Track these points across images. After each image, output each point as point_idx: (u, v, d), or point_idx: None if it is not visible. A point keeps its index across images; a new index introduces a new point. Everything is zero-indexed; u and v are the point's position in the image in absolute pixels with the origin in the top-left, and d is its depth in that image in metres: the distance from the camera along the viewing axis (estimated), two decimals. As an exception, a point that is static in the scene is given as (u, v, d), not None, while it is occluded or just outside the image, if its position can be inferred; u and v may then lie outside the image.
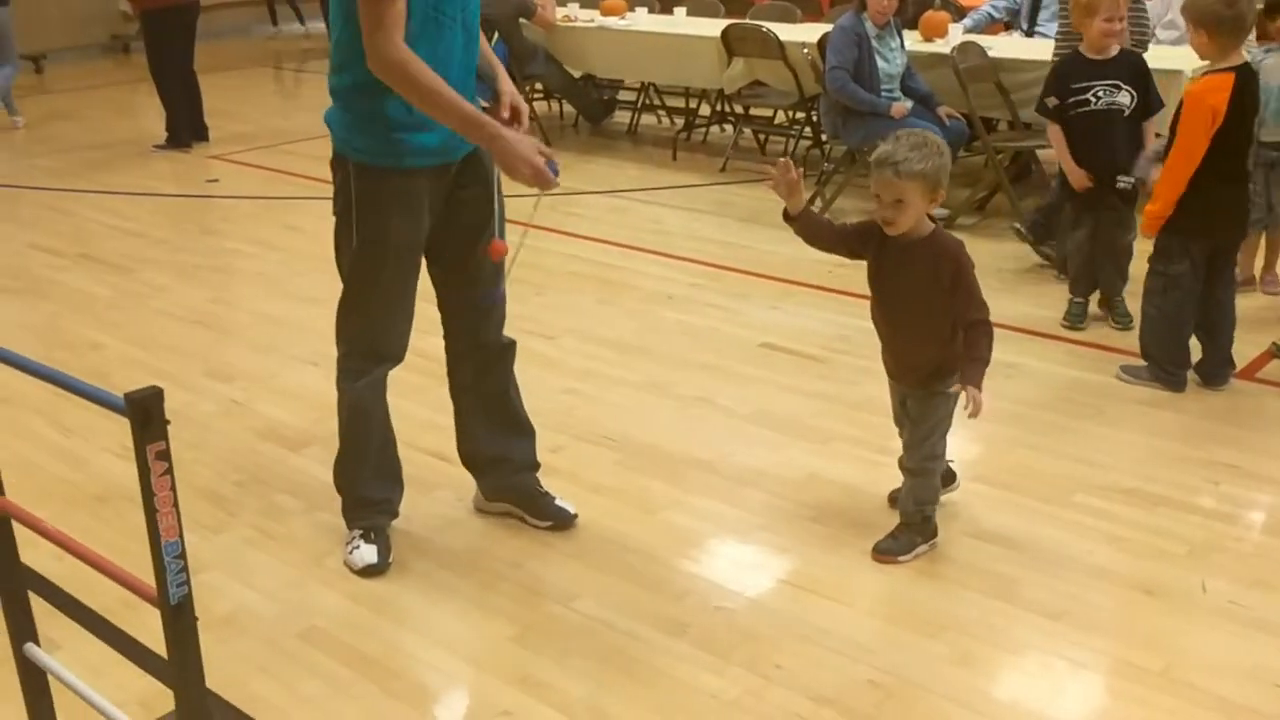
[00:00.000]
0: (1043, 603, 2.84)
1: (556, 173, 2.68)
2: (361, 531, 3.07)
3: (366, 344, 2.94)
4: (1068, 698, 2.54)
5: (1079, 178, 4.36)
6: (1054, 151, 4.58)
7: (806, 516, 3.26)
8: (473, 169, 2.89)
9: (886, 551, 3.03)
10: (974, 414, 2.73)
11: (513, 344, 3.14)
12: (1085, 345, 4.38)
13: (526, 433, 3.25)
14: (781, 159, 3.00)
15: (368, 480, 3.10)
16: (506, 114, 2.84)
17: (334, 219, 2.87)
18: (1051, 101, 4.42)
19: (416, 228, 2.84)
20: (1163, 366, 3.99)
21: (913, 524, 3.05)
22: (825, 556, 3.07)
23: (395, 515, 3.16)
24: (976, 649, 2.68)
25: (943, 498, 3.16)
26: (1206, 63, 3.85)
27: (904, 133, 2.86)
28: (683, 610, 2.84)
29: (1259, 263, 4.85)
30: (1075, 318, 4.54)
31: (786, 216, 3.02)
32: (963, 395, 2.76)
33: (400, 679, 2.62)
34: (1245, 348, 4.31)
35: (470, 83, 2.79)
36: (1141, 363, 4.10)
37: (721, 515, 3.29)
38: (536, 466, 3.26)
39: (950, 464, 3.24)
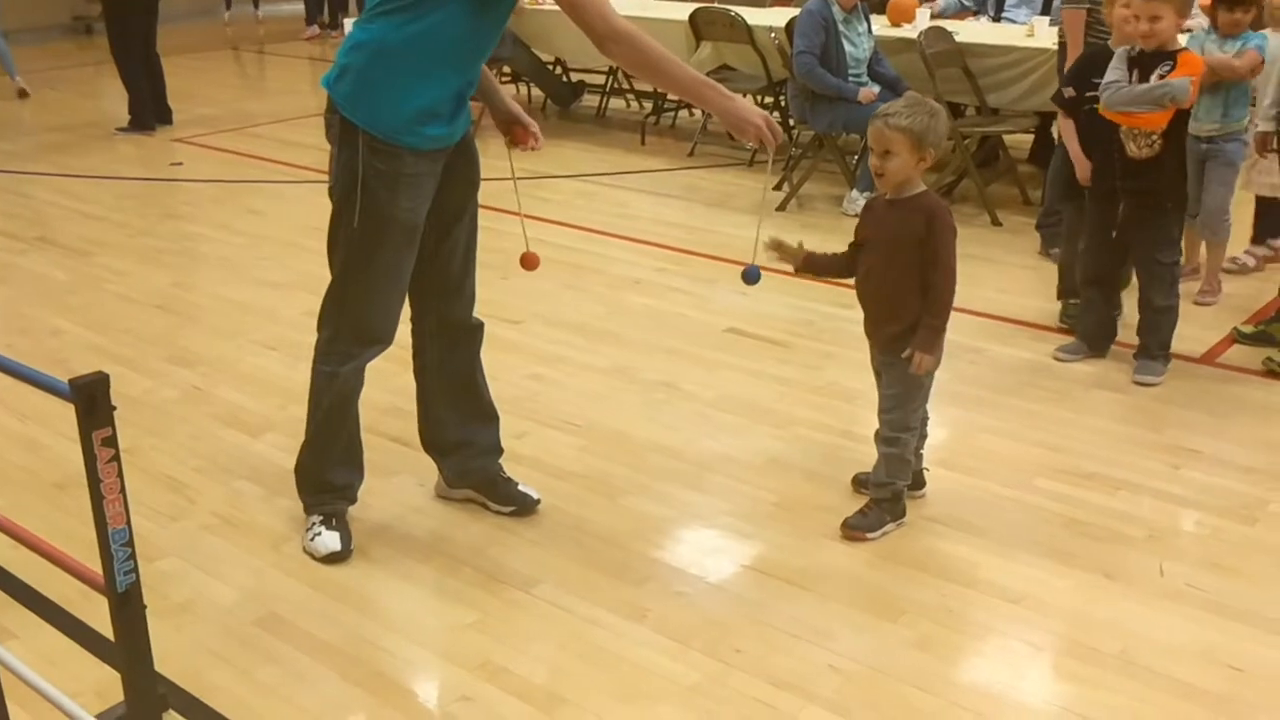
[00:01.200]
0: (1002, 586, 2.86)
1: (777, 137, 2.75)
2: (322, 517, 3.04)
3: (359, 326, 2.90)
4: (1027, 681, 2.55)
5: (1084, 170, 4.11)
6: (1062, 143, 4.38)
7: (768, 501, 3.26)
8: (463, 154, 2.91)
9: (855, 528, 3.04)
10: (920, 371, 2.93)
11: (481, 325, 3.13)
12: (1049, 330, 4.40)
13: (491, 417, 3.23)
14: (770, 242, 3.08)
15: (335, 466, 3.07)
16: (533, 143, 3.09)
17: (331, 196, 2.81)
18: (1068, 92, 4.22)
19: (420, 209, 2.84)
20: (1167, 354, 4.01)
21: (883, 501, 3.07)
22: (787, 541, 3.07)
23: (354, 502, 3.14)
24: (936, 633, 2.70)
25: (909, 494, 3.18)
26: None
27: (907, 95, 3.07)
28: (643, 595, 2.84)
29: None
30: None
31: (796, 271, 3.17)
32: (915, 359, 2.92)
33: (360, 666, 2.61)
34: (1206, 333, 4.35)
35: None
36: (1071, 340, 4.16)
37: (684, 500, 3.28)
38: (500, 451, 3.25)
39: (925, 471, 3.25)
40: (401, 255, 2.85)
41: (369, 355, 2.96)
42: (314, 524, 3.04)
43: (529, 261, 3.04)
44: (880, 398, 3.10)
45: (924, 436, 3.19)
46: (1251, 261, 4.95)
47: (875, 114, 2.93)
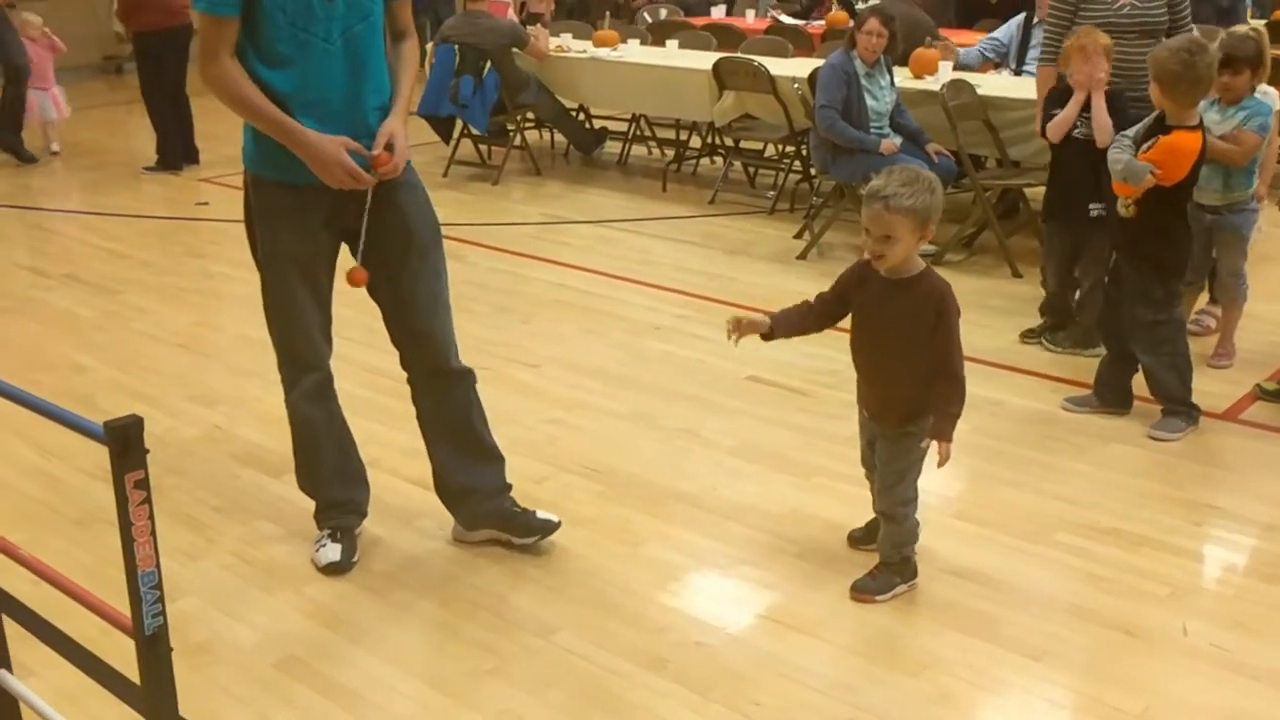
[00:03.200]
0: (1023, 642, 2.84)
1: (368, 167, 2.72)
2: (329, 531, 3.15)
3: (286, 353, 3.03)
4: (1047, 739, 2.53)
5: (1051, 125, 4.43)
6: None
7: (789, 551, 3.25)
8: (384, 201, 2.86)
9: (864, 590, 3.01)
10: (942, 464, 2.81)
11: (468, 371, 3.12)
12: (1069, 383, 4.39)
13: (493, 459, 3.23)
14: (730, 323, 2.98)
15: (329, 483, 3.18)
16: (377, 152, 2.81)
17: None
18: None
19: (308, 241, 2.87)
20: (1189, 407, 4.00)
21: (891, 564, 3.04)
22: (807, 592, 3.06)
23: (364, 515, 3.22)
24: (956, 688, 2.68)
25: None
26: None
27: (898, 167, 2.84)
28: (662, 645, 2.83)
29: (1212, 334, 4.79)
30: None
31: (765, 339, 3.02)
32: (933, 447, 2.83)
33: (377, 710, 2.60)
34: (1229, 388, 4.33)
35: (365, 94, 2.82)
36: (1085, 392, 4.15)
37: (703, 549, 3.28)
38: (508, 488, 3.25)
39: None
40: (295, 287, 2.90)
41: (308, 381, 3.04)
42: (322, 537, 3.16)
43: (355, 278, 2.88)
44: (880, 475, 3.02)
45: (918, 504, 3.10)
46: (1212, 323, 4.85)
47: (870, 193, 2.76)
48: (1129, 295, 3.95)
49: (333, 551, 3.10)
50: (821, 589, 3.06)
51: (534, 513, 3.24)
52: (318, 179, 2.76)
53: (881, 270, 2.85)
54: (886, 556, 3.04)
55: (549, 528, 3.22)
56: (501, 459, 3.25)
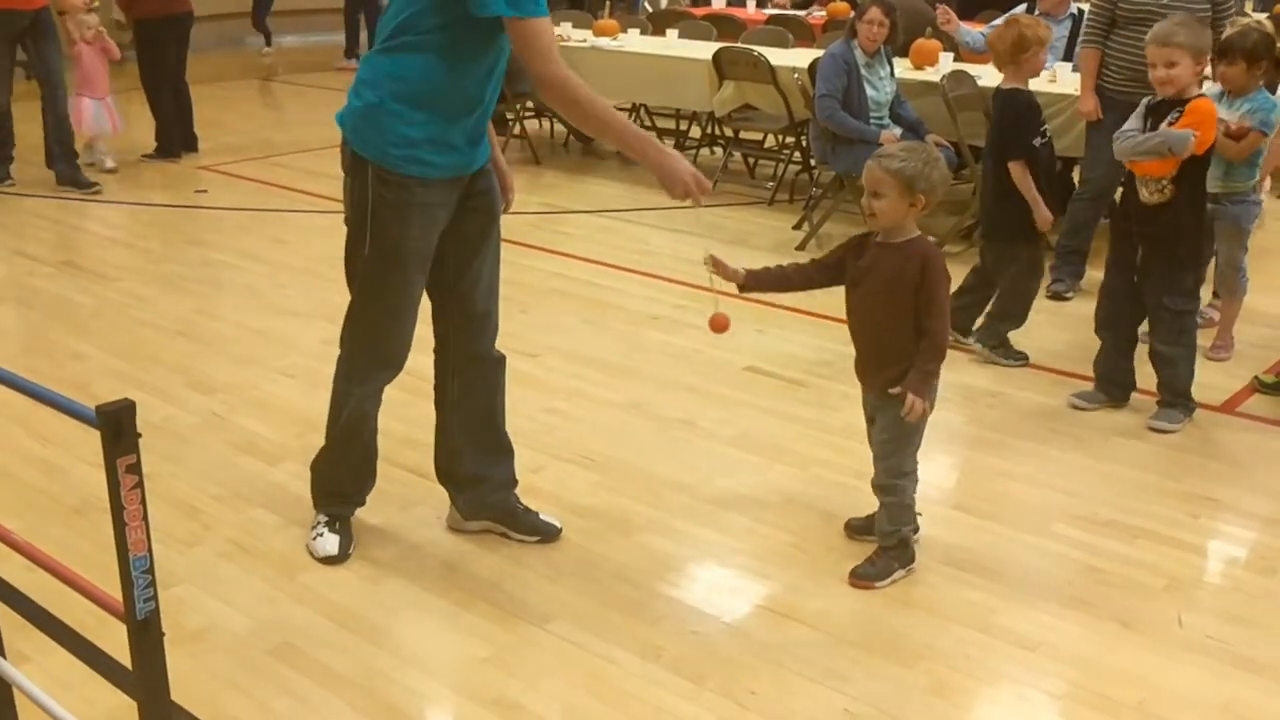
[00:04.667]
0: (1019, 633, 2.84)
1: (705, 191, 2.79)
2: (327, 519, 3.14)
3: (372, 350, 2.98)
4: (1042, 730, 2.53)
5: (1044, 217, 4.34)
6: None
7: (785, 541, 3.25)
8: (480, 185, 2.94)
9: (864, 577, 3.02)
10: (911, 418, 2.87)
11: (503, 359, 3.16)
12: (1068, 375, 4.39)
13: (507, 451, 3.25)
14: (708, 258, 3.01)
15: (348, 475, 3.18)
16: (511, 194, 3.09)
17: (346, 224, 2.88)
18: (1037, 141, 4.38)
19: (430, 238, 2.87)
20: (1188, 399, 4.00)
21: (890, 548, 3.04)
22: (803, 582, 3.06)
23: (363, 504, 3.23)
24: (952, 679, 2.68)
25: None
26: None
27: (915, 142, 3.01)
28: (658, 634, 2.83)
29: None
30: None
31: (741, 290, 3.10)
32: (907, 400, 2.87)
33: (372, 698, 2.60)
34: (1228, 381, 4.33)
35: (493, 103, 2.90)
36: (1088, 386, 4.15)
37: (700, 539, 3.28)
38: (515, 484, 3.26)
39: (918, 516, 3.23)
40: (412, 283, 2.90)
41: (382, 378, 3.04)
42: (319, 523, 3.15)
43: (717, 324, 2.93)
44: (875, 444, 3.07)
45: (918, 479, 3.11)
46: (1216, 315, 4.85)
47: (874, 154, 2.92)
48: (1157, 286, 3.93)
49: (330, 543, 3.10)
50: (818, 579, 3.06)
51: (538, 514, 3.24)
52: (447, 175, 2.80)
53: (873, 229, 2.94)
54: (885, 540, 3.05)
55: (551, 533, 3.22)
56: (512, 452, 3.25)
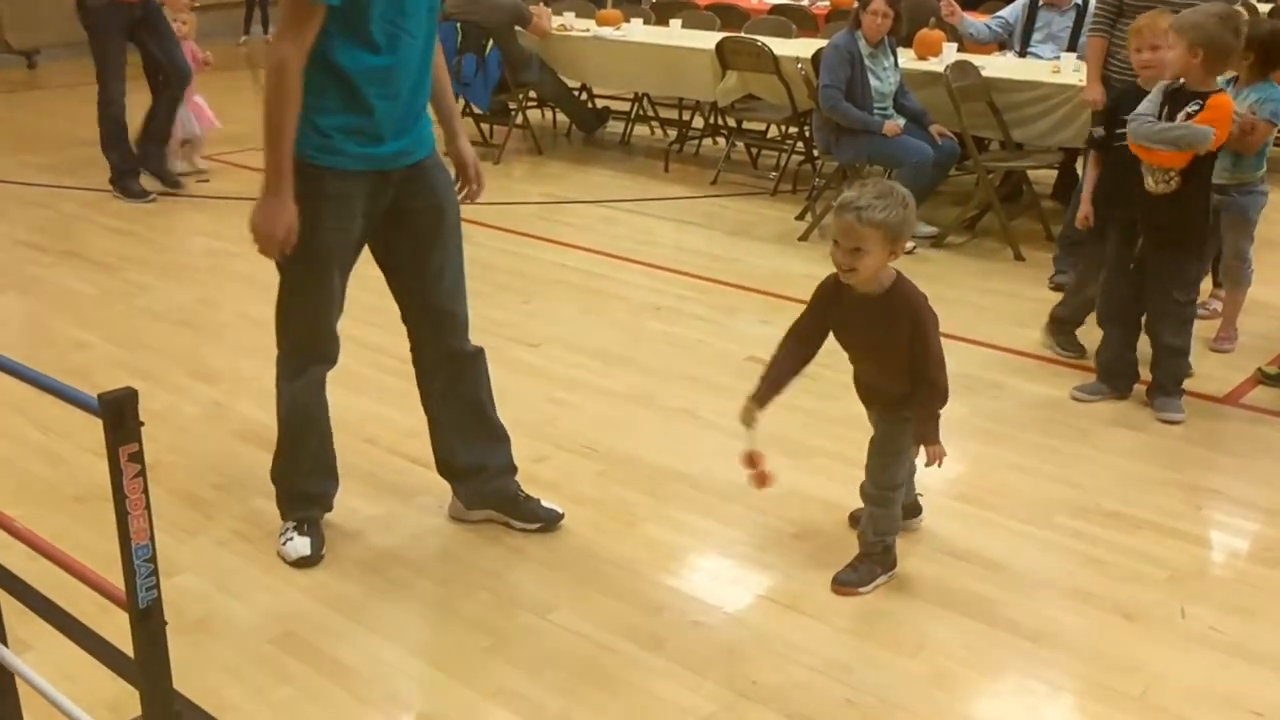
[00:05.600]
0: (1021, 624, 2.84)
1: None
2: (295, 523, 3.12)
3: (298, 344, 2.98)
4: (1044, 720, 2.53)
5: (1084, 213, 4.20)
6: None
7: (787, 532, 3.25)
8: (420, 181, 2.89)
9: (846, 583, 2.98)
10: (930, 464, 2.84)
11: (480, 351, 3.13)
12: (1070, 367, 4.38)
13: (502, 438, 3.24)
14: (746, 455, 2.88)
15: (305, 475, 3.15)
16: (475, 185, 3.05)
17: None
18: (1098, 132, 4.26)
19: (348, 232, 2.83)
20: (1181, 390, 4.00)
21: (873, 554, 3.00)
22: (805, 573, 3.06)
23: (330, 509, 3.20)
24: (954, 669, 2.68)
25: (907, 524, 3.16)
26: None
27: (872, 180, 2.82)
28: (660, 624, 2.83)
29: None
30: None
31: (760, 407, 2.91)
32: (922, 452, 2.85)
33: (374, 686, 2.60)
34: (1230, 373, 4.33)
35: (424, 86, 2.85)
36: (1090, 379, 4.15)
37: (702, 529, 3.27)
38: (514, 470, 3.26)
39: (919, 497, 3.23)
40: (329, 277, 2.87)
41: (314, 372, 3.01)
42: (287, 529, 3.12)
43: (760, 479, 2.84)
44: (871, 454, 3.01)
45: (913, 469, 3.09)
46: (1219, 306, 4.84)
47: (843, 205, 2.69)
48: (1164, 279, 3.92)
49: (302, 545, 3.07)
50: (819, 570, 3.06)
51: (539, 501, 3.24)
52: (361, 168, 2.77)
53: (853, 284, 2.79)
54: (869, 546, 3.00)
55: (553, 519, 3.22)
56: (508, 438, 3.24)
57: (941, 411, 2.86)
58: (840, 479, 3.51)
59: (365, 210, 2.84)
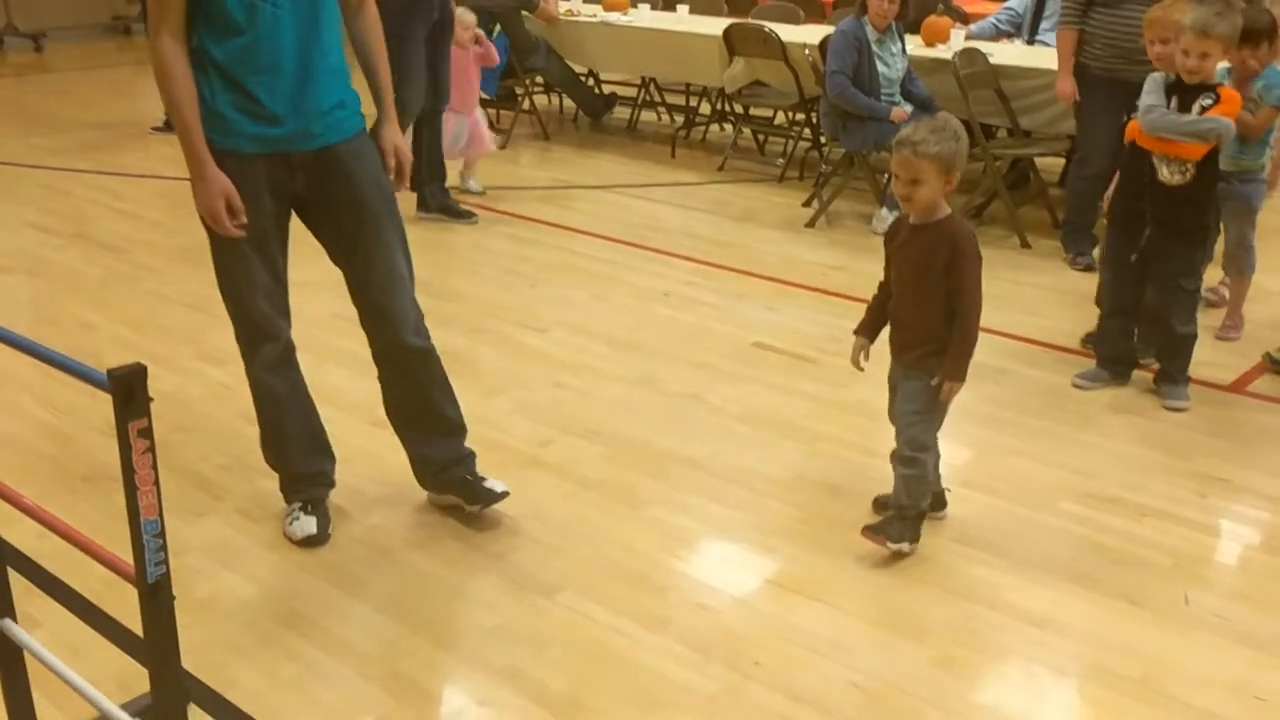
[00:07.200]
0: (1025, 609, 2.84)
1: (243, 225, 2.73)
2: (300, 504, 3.12)
3: (239, 324, 2.96)
4: (1048, 704, 2.54)
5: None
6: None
7: (792, 517, 3.26)
8: (331, 168, 2.82)
9: (878, 531, 3.04)
10: (944, 400, 2.96)
11: (429, 349, 3.05)
12: (1076, 354, 4.38)
13: (453, 431, 3.18)
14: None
15: (297, 456, 3.14)
16: (392, 176, 2.92)
17: None
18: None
19: (258, 216, 2.77)
20: (1188, 377, 4.01)
21: (906, 519, 3.06)
22: (810, 557, 3.06)
23: (332, 485, 3.20)
24: (958, 653, 2.68)
25: (932, 514, 3.17)
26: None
27: (927, 118, 3.05)
28: (665, 606, 2.84)
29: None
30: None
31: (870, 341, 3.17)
32: (944, 388, 2.95)
33: (379, 666, 2.61)
34: (1236, 360, 4.32)
35: (321, 62, 2.75)
36: (1091, 365, 4.15)
37: (707, 513, 3.28)
38: (466, 457, 3.20)
39: (946, 492, 3.24)
40: (245, 259, 2.83)
41: (265, 352, 2.98)
42: (293, 509, 3.12)
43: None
44: (899, 414, 3.08)
45: (939, 455, 3.17)
46: (1227, 293, 4.83)
47: (899, 141, 2.90)
48: (1173, 268, 3.92)
49: (309, 524, 3.06)
50: (824, 554, 3.07)
51: (483, 480, 3.18)
52: (258, 150, 2.73)
53: (910, 213, 2.96)
54: (901, 510, 3.06)
55: (492, 498, 3.15)
56: (462, 430, 3.20)
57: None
58: (845, 464, 3.52)
59: (271, 191, 2.79)
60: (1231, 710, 2.50)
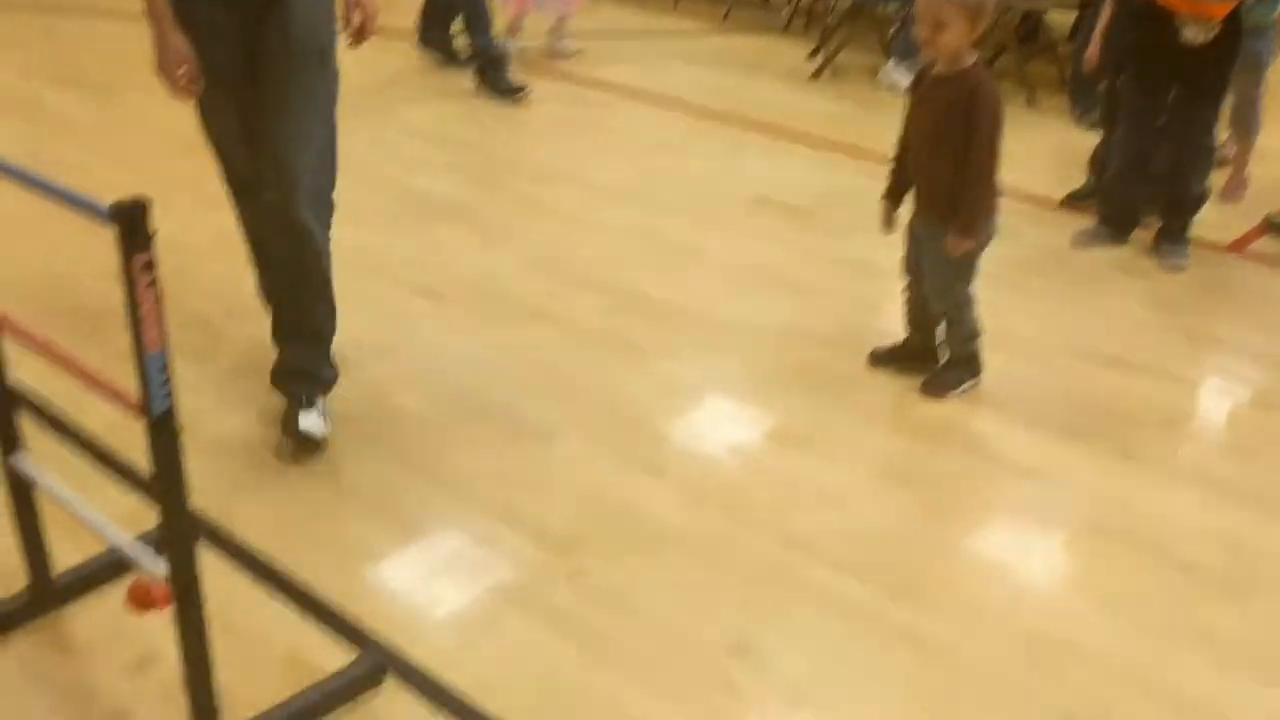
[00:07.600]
0: (1018, 461, 2.89)
1: (199, 90, 2.68)
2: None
3: (224, 169, 2.94)
4: (1035, 551, 2.60)
5: (1091, 53, 4.23)
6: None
7: (788, 368, 3.28)
8: (280, 11, 2.67)
9: (936, 385, 3.10)
10: (950, 253, 2.95)
11: (313, 234, 2.83)
12: (1078, 213, 4.35)
13: (305, 340, 2.96)
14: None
15: (323, 319, 2.99)
16: (355, 22, 2.70)
17: None
18: None
19: (214, 57, 2.67)
20: (1188, 239, 4.02)
21: (959, 360, 3.12)
22: (804, 408, 3.10)
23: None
24: (949, 502, 2.74)
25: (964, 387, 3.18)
26: None
27: None
28: (661, 454, 2.88)
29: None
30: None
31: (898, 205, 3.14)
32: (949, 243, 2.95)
33: (384, 506, 2.67)
34: (1237, 221, 4.31)
35: None
36: (1088, 226, 4.15)
37: (705, 364, 3.31)
38: (305, 376, 2.95)
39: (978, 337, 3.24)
40: (211, 100, 2.76)
41: (243, 201, 2.96)
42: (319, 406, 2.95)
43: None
44: (928, 275, 3.08)
45: (975, 301, 3.13)
46: (1232, 152, 4.79)
47: None
48: (1196, 127, 3.90)
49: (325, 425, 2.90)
50: (819, 405, 3.10)
51: (296, 420, 2.85)
52: None
53: (934, 56, 2.90)
54: (956, 353, 3.13)
55: (293, 442, 2.83)
56: (316, 343, 2.97)
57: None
58: (842, 318, 3.54)
59: (225, 37, 2.67)
60: (1212, 557, 2.56)
